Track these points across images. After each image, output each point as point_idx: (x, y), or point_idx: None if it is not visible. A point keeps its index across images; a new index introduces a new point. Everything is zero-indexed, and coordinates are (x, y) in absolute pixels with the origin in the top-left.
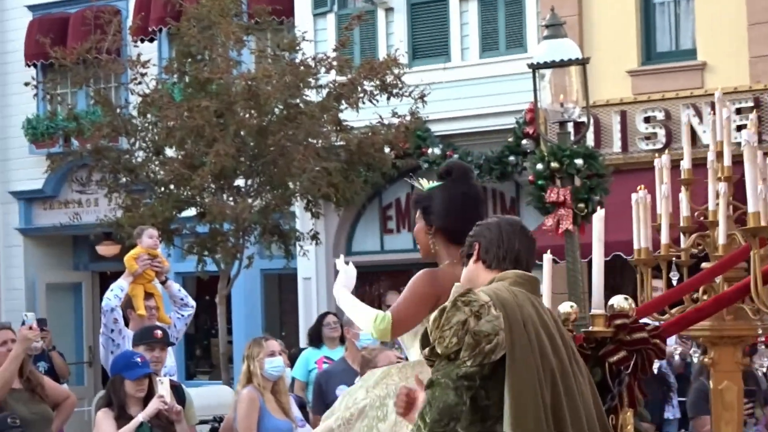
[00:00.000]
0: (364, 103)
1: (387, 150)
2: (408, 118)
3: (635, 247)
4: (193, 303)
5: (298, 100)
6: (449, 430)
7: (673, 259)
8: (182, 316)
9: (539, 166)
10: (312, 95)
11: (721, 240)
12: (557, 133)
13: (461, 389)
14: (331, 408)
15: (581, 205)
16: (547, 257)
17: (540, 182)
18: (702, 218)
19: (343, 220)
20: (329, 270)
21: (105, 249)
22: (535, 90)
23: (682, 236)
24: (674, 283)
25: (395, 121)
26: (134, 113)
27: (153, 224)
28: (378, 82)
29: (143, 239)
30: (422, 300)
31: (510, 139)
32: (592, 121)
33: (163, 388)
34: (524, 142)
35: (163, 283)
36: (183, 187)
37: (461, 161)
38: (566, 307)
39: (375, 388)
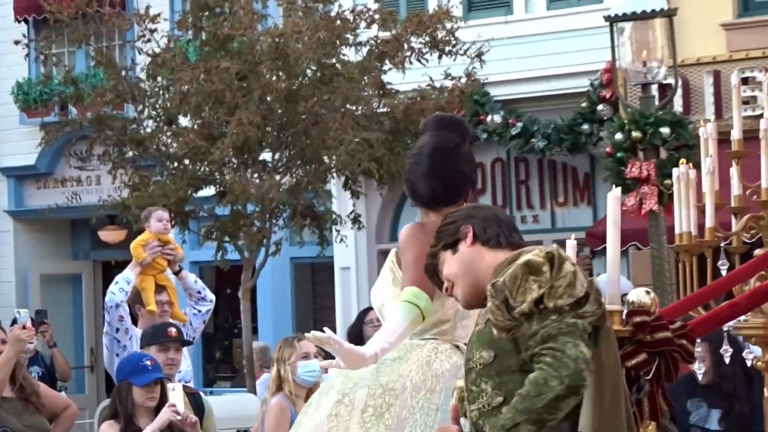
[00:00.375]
0: (411, 62)
1: None
2: (463, 80)
3: (676, 231)
4: (212, 296)
5: (333, 60)
6: (586, 385)
7: (722, 245)
8: (199, 312)
9: (618, 135)
10: (350, 54)
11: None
12: (639, 97)
13: (587, 342)
14: (308, 404)
15: (668, 181)
16: (571, 243)
17: (619, 155)
18: (755, 197)
19: (387, 200)
20: (371, 259)
21: (109, 235)
22: (613, 47)
23: (733, 218)
24: (723, 272)
25: (448, 83)
26: (142, 76)
27: (164, 205)
28: (428, 39)
29: (152, 223)
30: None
31: (583, 105)
32: (680, 82)
33: (175, 396)
34: (600, 107)
35: (176, 273)
36: (199, 162)
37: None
38: None
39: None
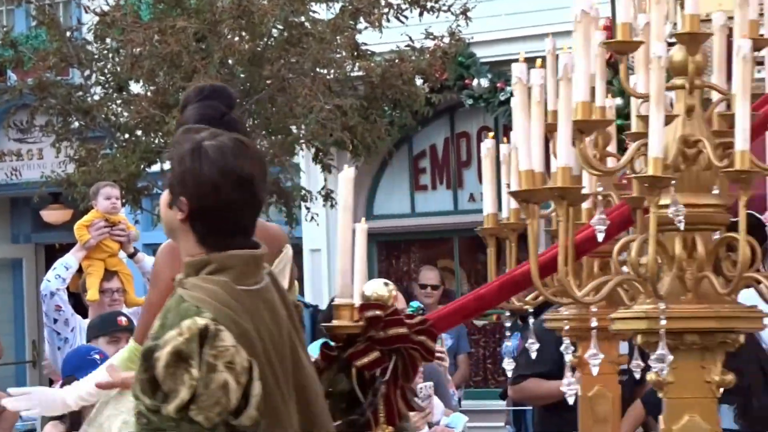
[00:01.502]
0: (388, 20)
1: (419, 82)
2: (446, 39)
3: (484, 212)
4: None
5: (302, 18)
6: None
7: (543, 229)
8: None
9: (618, 101)
10: (321, 11)
11: (587, 202)
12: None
13: None
14: None
15: None
16: (361, 227)
17: (618, 122)
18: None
19: (362, 174)
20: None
21: (52, 215)
22: (612, 0)
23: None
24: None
25: (429, 44)
26: (89, 37)
27: (114, 181)
28: None
29: (99, 201)
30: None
31: None
32: None
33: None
34: None
35: (131, 256)
36: (153, 133)
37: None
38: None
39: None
